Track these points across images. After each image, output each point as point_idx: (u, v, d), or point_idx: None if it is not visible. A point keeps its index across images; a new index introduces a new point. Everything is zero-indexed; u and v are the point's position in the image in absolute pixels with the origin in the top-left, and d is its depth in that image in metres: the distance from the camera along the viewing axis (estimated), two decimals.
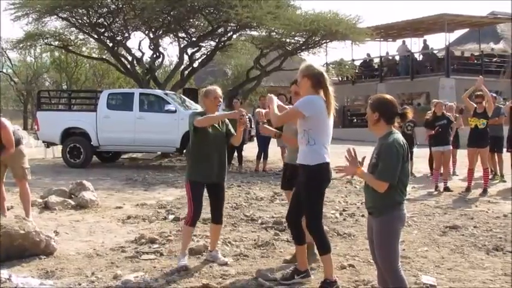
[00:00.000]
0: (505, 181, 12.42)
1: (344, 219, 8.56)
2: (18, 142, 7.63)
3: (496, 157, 12.71)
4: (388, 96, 4.41)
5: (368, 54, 32.65)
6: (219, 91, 6.16)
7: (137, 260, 6.30)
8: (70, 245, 6.99)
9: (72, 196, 9.78)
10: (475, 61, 29.62)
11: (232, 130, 6.26)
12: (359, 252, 6.53)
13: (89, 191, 9.83)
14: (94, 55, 26.26)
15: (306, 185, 5.17)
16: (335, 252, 6.64)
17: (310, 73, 5.17)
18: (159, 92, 16.74)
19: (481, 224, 8.20)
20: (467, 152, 11.31)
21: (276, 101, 5.39)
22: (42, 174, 13.72)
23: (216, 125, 6.05)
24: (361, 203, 9.97)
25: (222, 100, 6.19)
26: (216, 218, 6.24)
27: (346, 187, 11.90)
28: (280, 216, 8.48)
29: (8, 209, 7.91)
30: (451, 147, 11.92)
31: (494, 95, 12.74)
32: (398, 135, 4.28)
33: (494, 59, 30.17)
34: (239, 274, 5.76)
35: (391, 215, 4.23)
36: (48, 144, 16.84)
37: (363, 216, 8.72)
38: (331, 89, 5.13)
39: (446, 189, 11.31)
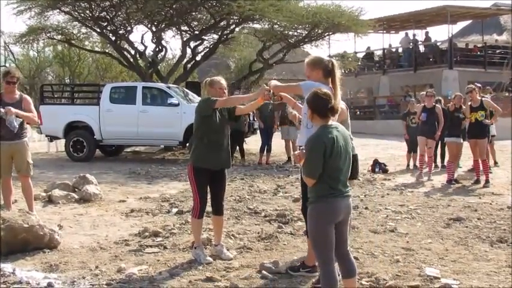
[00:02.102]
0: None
1: None
2: (23, 135, 7.65)
3: (489, 147, 12.77)
4: (322, 91, 4.37)
5: (368, 48, 32.58)
6: (224, 82, 6.11)
7: (141, 253, 6.31)
8: (74, 238, 7.00)
9: (76, 190, 9.79)
10: (478, 53, 29.55)
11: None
12: (362, 245, 6.52)
13: (92, 185, 9.84)
14: (97, 49, 26.21)
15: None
16: None
17: (321, 65, 5.22)
18: (162, 85, 16.73)
19: (485, 216, 8.19)
20: (469, 144, 11.37)
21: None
22: (45, 168, 13.75)
23: (218, 112, 5.94)
24: (365, 195, 9.98)
25: (226, 92, 6.11)
26: (218, 209, 6.13)
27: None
28: (284, 209, 8.49)
29: (12, 203, 7.91)
30: (462, 140, 11.93)
31: (478, 85, 12.72)
32: (327, 130, 4.23)
33: (498, 51, 30.10)
34: (243, 267, 5.76)
35: (313, 207, 4.26)
36: (51, 138, 16.88)
37: (366, 208, 8.72)
38: (338, 75, 5.17)
39: (455, 181, 11.35)
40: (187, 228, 7.31)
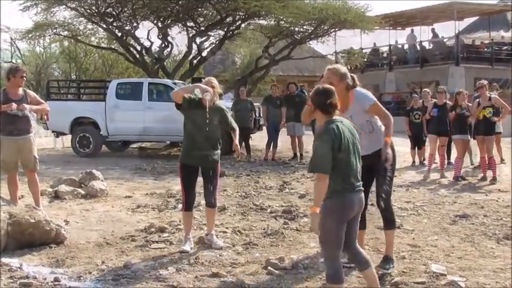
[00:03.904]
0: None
1: None
2: (29, 131, 7.68)
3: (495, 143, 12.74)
4: (324, 87, 4.36)
5: (374, 44, 32.45)
6: (214, 81, 6.46)
7: (147, 248, 6.33)
8: (80, 234, 7.02)
9: (82, 185, 9.81)
10: (485, 49, 29.41)
11: (232, 123, 6.51)
12: (368, 241, 6.52)
13: (99, 181, 9.86)
14: (103, 45, 26.24)
15: (386, 164, 5.33)
16: None
17: (347, 79, 5.36)
18: (167, 81, 16.74)
19: (491, 213, 8.16)
20: (477, 140, 11.33)
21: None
22: (51, 163, 13.78)
23: (206, 113, 6.12)
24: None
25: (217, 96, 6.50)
26: (208, 201, 6.44)
27: None
28: (289, 206, 8.49)
29: (18, 198, 7.94)
30: (469, 137, 11.85)
31: (485, 82, 12.54)
32: (333, 124, 4.21)
33: (505, 47, 29.94)
34: (248, 263, 5.77)
35: (328, 202, 4.19)
36: (58, 134, 16.93)
37: (372, 205, 8.67)
38: (358, 83, 5.47)
39: (461, 178, 11.31)
40: (193, 224, 7.31)
